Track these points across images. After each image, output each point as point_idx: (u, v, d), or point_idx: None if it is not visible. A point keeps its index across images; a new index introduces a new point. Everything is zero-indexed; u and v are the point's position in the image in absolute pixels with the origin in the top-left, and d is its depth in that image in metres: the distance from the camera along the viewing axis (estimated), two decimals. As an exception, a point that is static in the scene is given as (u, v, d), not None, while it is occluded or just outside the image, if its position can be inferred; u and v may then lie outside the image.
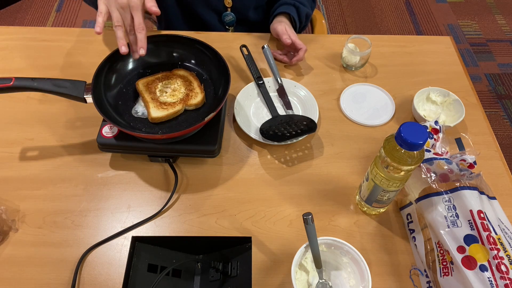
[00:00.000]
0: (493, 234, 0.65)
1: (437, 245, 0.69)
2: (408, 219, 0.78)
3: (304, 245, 0.67)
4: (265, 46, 1.03)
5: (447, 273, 0.66)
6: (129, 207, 0.81)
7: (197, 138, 0.82)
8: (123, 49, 0.78)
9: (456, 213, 0.68)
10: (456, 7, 2.56)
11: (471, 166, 0.75)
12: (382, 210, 0.80)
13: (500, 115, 2.04)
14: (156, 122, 0.83)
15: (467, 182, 0.71)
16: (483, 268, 0.62)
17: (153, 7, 0.79)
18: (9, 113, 0.94)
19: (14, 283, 0.71)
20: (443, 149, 0.79)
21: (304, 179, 0.86)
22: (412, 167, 0.65)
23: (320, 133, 0.94)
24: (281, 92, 0.99)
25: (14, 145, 0.89)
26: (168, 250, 0.72)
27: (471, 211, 0.67)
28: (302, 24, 1.14)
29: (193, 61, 0.94)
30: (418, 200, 0.74)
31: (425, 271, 0.72)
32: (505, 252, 0.63)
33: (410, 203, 0.78)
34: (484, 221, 0.66)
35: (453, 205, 0.69)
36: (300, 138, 0.88)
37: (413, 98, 0.95)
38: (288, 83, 1.00)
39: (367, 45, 1.03)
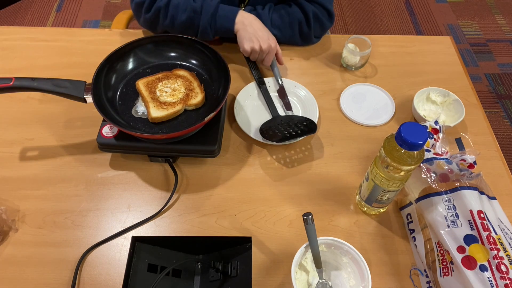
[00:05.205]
0: (493, 234, 0.65)
1: (437, 245, 0.69)
2: (408, 219, 0.78)
3: (304, 245, 0.67)
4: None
5: (447, 273, 0.66)
6: (129, 207, 0.81)
7: (197, 138, 0.82)
8: None
9: (456, 213, 0.68)
10: (456, 7, 2.56)
11: (471, 166, 0.75)
12: (382, 210, 0.80)
13: (500, 115, 2.04)
14: (156, 122, 0.83)
15: (467, 182, 0.71)
16: (483, 268, 0.62)
17: (281, 60, 1.03)
18: (9, 113, 0.94)
19: (14, 283, 0.71)
20: (443, 149, 0.79)
21: (304, 179, 0.86)
22: (412, 167, 0.65)
23: (320, 133, 0.94)
24: (281, 92, 0.98)
25: (14, 145, 0.89)
26: (168, 250, 0.72)
27: (471, 211, 0.67)
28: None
29: (193, 61, 0.94)
30: (418, 200, 0.74)
31: (425, 271, 0.72)
32: (505, 252, 0.63)
33: (410, 203, 0.78)
34: (484, 221, 0.66)
35: (453, 205, 0.69)
36: (299, 139, 0.88)
37: (413, 98, 0.95)
38: (288, 83, 1.00)
39: (367, 45, 1.03)
